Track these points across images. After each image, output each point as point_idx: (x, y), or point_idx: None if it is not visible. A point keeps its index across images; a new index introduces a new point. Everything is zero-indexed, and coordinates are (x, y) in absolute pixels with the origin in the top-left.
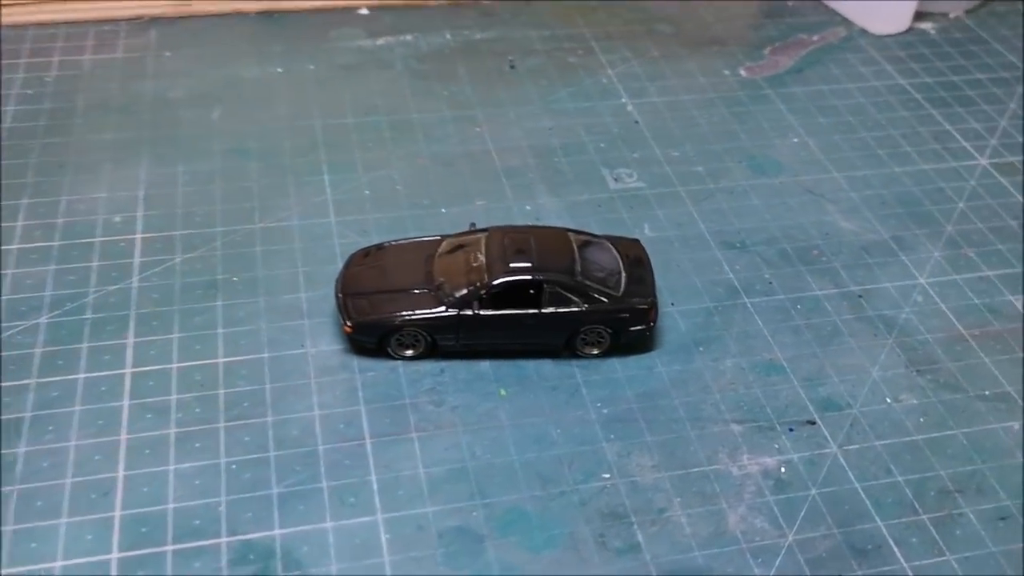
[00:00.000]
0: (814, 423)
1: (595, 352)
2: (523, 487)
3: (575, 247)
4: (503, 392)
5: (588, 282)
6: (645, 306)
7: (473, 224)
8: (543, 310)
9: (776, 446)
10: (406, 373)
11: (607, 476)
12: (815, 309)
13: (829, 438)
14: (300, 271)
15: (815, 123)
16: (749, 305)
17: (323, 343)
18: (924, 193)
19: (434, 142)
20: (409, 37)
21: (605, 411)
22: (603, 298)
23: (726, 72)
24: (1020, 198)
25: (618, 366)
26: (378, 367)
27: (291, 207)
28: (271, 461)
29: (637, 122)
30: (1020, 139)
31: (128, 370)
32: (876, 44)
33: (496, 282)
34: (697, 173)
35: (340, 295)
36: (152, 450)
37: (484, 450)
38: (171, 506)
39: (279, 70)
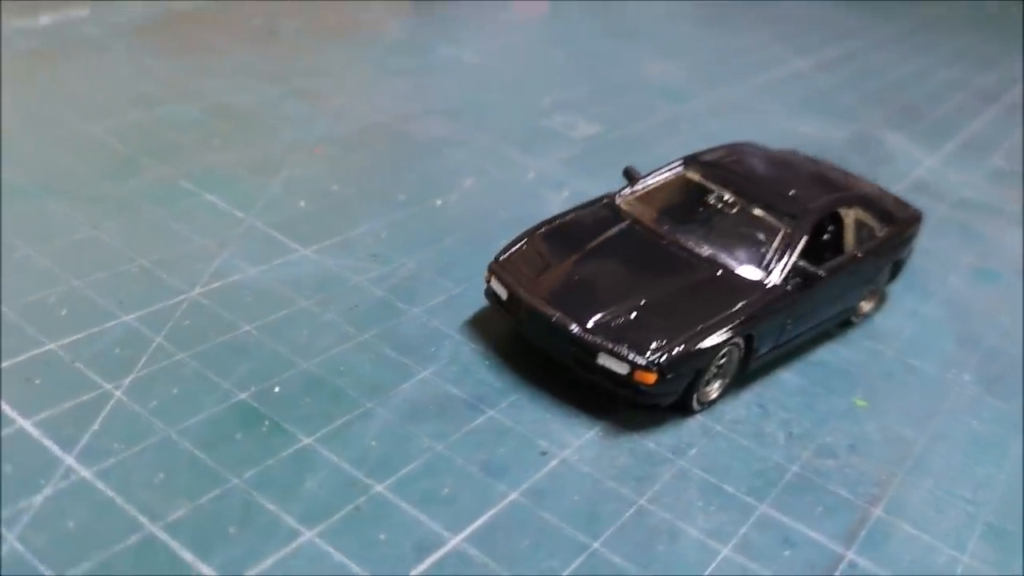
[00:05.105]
0: None
1: (871, 307)
2: None
3: (800, 161)
4: (861, 402)
5: (871, 196)
6: (917, 214)
7: (631, 169)
8: (860, 251)
9: None
10: (731, 428)
11: None
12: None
13: None
14: (362, 338)
15: (664, 51)
16: None
17: (566, 434)
18: (831, 87)
19: (297, 126)
20: (84, 13)
21: (967, 378)
22: (889, 213)
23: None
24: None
25: (890, 322)
26: (688, 435)
27: (215, 254)
28: None
29: (491, 71)
30: None
31: None
32: None
33: (808, 220)
34: (629, 108)
35: (590, 335)
36: None
37: (974, 486)
38: None
39: None
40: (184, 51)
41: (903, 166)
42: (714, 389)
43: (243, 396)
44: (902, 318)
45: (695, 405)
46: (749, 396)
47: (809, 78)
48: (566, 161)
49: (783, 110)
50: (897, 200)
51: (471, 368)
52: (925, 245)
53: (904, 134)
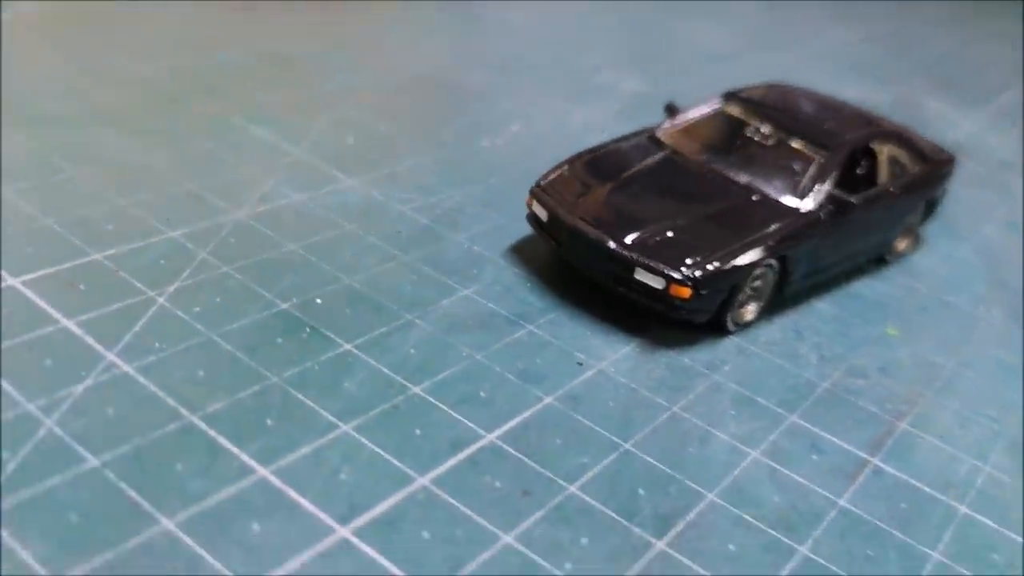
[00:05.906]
0: None
1: (906, 246)
2: None
3: (836, 102)
4: (892, 331)
5: (905, 134)
6: (951, 156)
7: (672, 104)
8: (893, 186)
9: None
10: (766, 348)
11: None
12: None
13: None
14: (404, 259)
15: (712, 19)
16: None
17: (604, 348)
18: (876, 58)
19: (345, 73)
20: None
21: (996, 313)
22: (922, 152)
23: None
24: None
25: (926, 262)
26: (723, 353)
27: (263, 181)
28: None
29: (539, 31)
30: None
31: None
32: None
33: (842, 150)
34: (675, 69)
35: (628, 251)
36: None
37: (1000, 407)
38: None
39: None
40: (228, 8)
41: (944, 128)
42: (749, 311)
43: (285, 306)
44: (938, 259)
45: (730, 326)
46: (785, 322)
47: (854, 49)
48: (612, 112)
49: (827, 76)
50: (931, 143)
51: (512, 288)
52: (963, 196)
53: (945, 101)
